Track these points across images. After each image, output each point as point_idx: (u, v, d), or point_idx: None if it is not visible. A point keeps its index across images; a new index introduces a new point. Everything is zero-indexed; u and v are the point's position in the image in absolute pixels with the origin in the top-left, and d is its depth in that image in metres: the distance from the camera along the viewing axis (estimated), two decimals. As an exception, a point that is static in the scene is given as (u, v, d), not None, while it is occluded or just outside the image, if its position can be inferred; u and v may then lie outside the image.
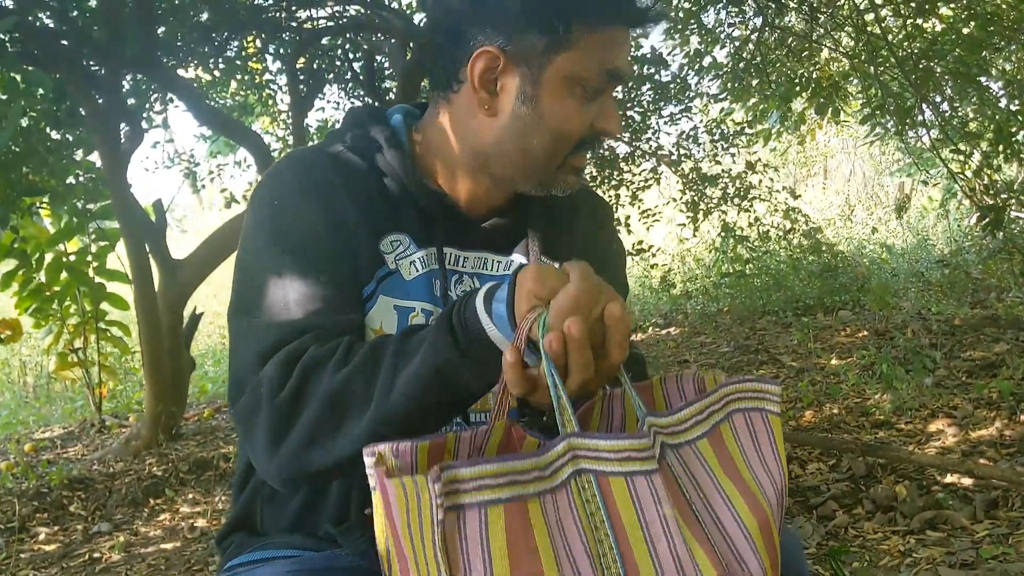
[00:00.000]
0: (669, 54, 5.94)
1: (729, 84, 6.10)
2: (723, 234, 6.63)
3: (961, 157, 4.54)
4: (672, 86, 5.92)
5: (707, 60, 6.01)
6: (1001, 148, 4.39)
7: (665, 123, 6.29)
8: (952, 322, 4.45)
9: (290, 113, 5.49)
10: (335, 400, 0.91)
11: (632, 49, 1.06)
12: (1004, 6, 4.01)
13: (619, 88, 1.06)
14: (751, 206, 6.42)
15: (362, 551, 1.11)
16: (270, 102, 6.17)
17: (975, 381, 3.60)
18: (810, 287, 6.04)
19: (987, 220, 4.37)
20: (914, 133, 5.71)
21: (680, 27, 5.67)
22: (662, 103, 6.07)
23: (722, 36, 5.92)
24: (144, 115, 5.09)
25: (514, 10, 1.00)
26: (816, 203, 11.75)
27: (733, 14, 5.57)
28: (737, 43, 5.84)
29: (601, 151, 6.07)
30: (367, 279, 1.07)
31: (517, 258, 1.16)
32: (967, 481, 2.66)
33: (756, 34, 5.47)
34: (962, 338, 4.29)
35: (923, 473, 2.77)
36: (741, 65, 5.65)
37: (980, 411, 3.29)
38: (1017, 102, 4.40)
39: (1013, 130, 4.09)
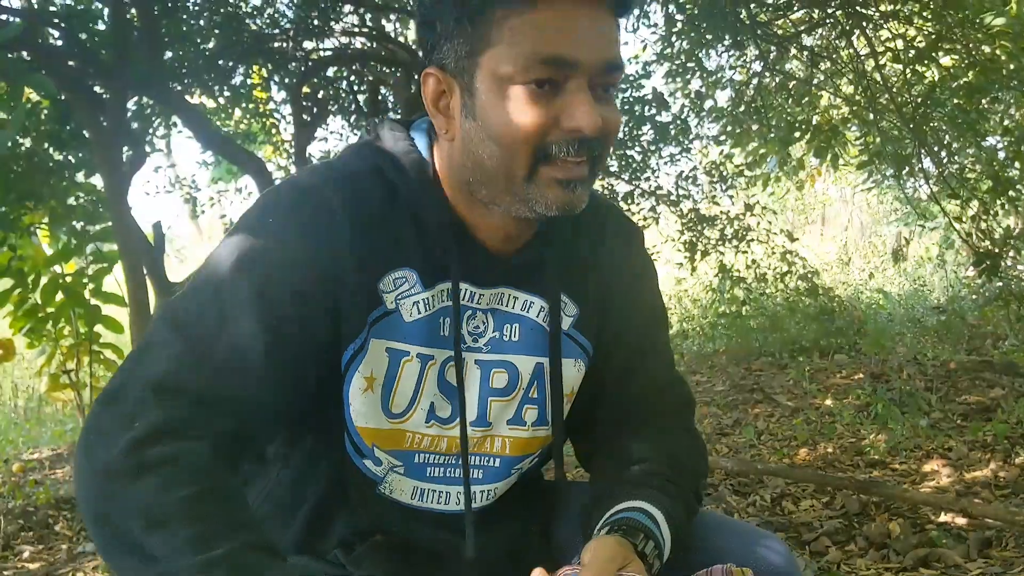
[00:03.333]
0: (670, 96, 6.01)
1: (729, 127, 6.17)
2: (720, 275, 6.65)
3: (959, 204, 4.57)
4: (672, 127, 5.99)
5: (708, 103, 6.09)
6: (999, 195, 4.43)
7: (665, 163, 6.35)
8: (948, 366, 4.44)
9: (293, 142, 5.53)
10: (154, 521, 0.81)
11: (610, 34, 0.93)
12: (1003, 56, 4.06)
13: (608, 80, 0.92)
14: (748, 248, 6.44)
15: None
16: (273, 131, 6.22)
17: (970, 424, 3.59)
18: (806, 330, 6.03)
19: (984, 266, 4.40)
20: (912, 181, 5.76)
21: (681, 69, 5.75)
22: (662, 144, 6.12)
23: (723, 79, 6.00)
24: (148, 138, 5.13)
25: (433, 17, 0.94)
26: (814, 249, 11.80)
27: (734, 57, 5.64)
28: (738, 87, 5.92)
29: (601, 189, 6.13)
30: (354, 331, 0.98)
31: (536, 301, 1.08)
32: (961, 520, 2.64)
33: (757, 78, 5.53)
34: (957, 382, 4.28)
35: (917, 512, 2.74)
36: (741, 108, 5.72)
37: (975, 453, 3.28)
38: (1012, 150, 4.45)
39: (1011, 174, 4.13)
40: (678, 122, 6.01)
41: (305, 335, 0.95)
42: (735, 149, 6.77)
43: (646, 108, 5.67)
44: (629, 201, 6.41)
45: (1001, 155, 4.71)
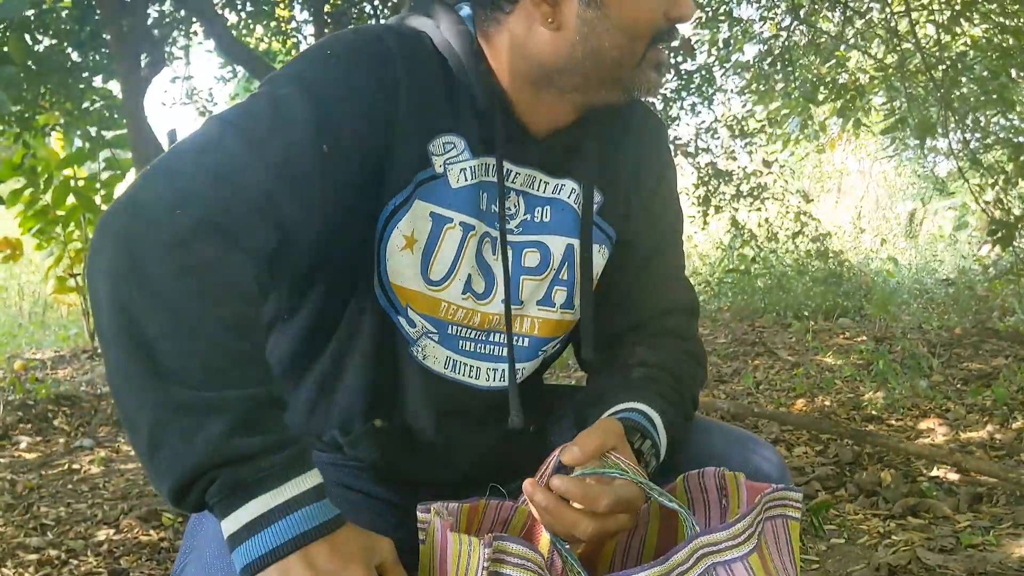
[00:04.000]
0: (697, 43, 5.92)
1: (754, 83, 6.09)
2: (731, 231, 6.61)
3: (980, 173, 4.52)
4: (697, 76, 5.91)
5: (735, 56, 6.00)
6: (1019, 166, 4.37)
7: (686, 114, 6.27)
8: (953, 333, 4.44)
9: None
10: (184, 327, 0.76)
11: None
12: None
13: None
14: (763, 205, 6.40)
15: (371, 463, 1.09)
16: (294, 51, 6.15)
17: (970, 388, 3.60)
18: (813, 292, 6.02)
19: (998, 236, 4.36)
20: (932, 155, 5.71)
21: (711, 17, 5.65)
22: (685, 93, 6.05)
23: (752, 32, 5.91)
24: (167, 46, 5.08)
25: None
26: (827, 217, 11.74)
27: (765, 8, 5.54)
28: (767, 40, 5.82)
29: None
30: (399, 184, 0.98)
31: (568, 184, 1.09)
32: (953, 476, 2.65)
33: (786, 32, 5.44)
34: (961, 350, 4.28)
35: (910, 464, 2.75)
36: (767, 63, 5.63)
37: (972, 415, 3.28)
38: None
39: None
40: (703, 72, 5.92)
41: (357, 162, 0.94)
42: (758, 106, 6.70)
43: (672, 55, 5.58)
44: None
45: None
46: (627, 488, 0.88)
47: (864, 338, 4.75)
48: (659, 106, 6.02)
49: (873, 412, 3.37)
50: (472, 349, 1.08)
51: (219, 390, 0.75)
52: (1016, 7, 3.99)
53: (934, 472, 2.68)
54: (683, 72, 5.77)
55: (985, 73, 4.26)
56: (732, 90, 6.33)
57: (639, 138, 1.16)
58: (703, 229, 6.91)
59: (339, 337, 1.07)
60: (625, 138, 1.14)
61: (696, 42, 5.88)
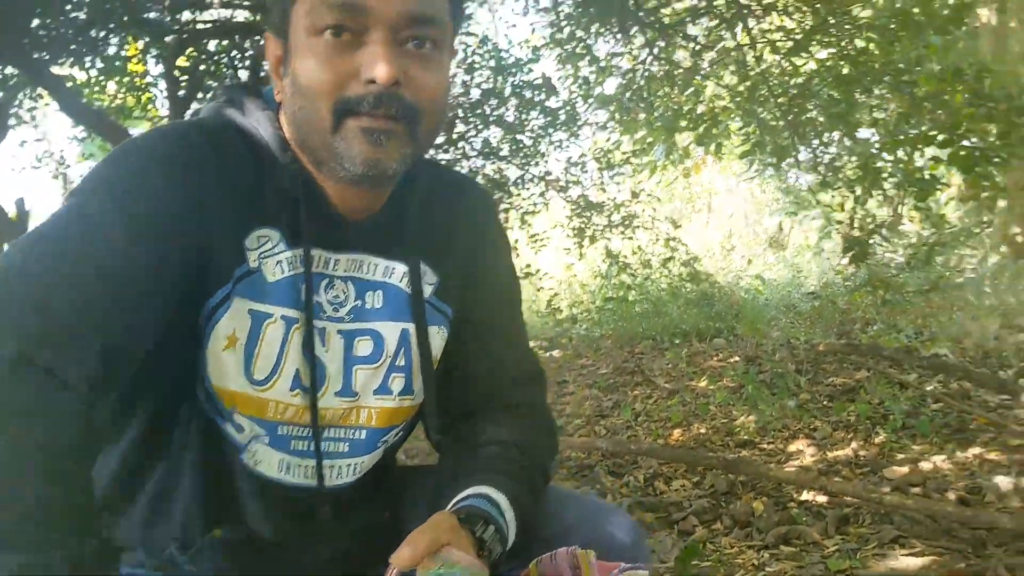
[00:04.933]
0: (559, 81, 6.04)
1: (617, 114, 6.25)
2: (607, 260, 6.74)
3: (832, 193, 4.75)
4: (562, 112, 6.01)
5: (597, 90, 6.14)
6: (867, 184, 4.61)
7: (554, 149, 6.37)
8: (817, 349, 4.62)
9: (170, 118, 5.32)
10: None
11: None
12: (875, 50, 4.22)
13: (416, 33, 0.92)
14: (634, 234, 6.55)
15: None
16: (150, 106, 5.96)
17: (835, 404, 3.74)
18: (687, 314, 6.18)
19: (853, 252, 4.58)
20: (791, 172, 5.96)
21: (570, 55, 5.78)
22: (551, 129, 6.14)
23: (612, 67, 6.06)
24: (12, 110, 4.85)
25: None
26: (699, 237, 12.10)
27: (621, 44, 5.70)
28: (626, 74, 5.98)
29: (492, 174, 6.13)
30: (218, 283, 0.94)
31: (399, 267, 1.07)
32: (822, 498, 2.74)
33: (643, 66, 5.60)
34: (826, 365, 4.45)
35: (781, 490, 2.84)
36: (628, 95, 5.79)
37: (838, 432, 3.41)
38: (883, 142, 4.64)
39: (878, 166, 4.30)
40: (567, 108, 6.03)
41: (174, 267, 0.90)
42: (624, 136, 6.86)
43: (535, 93, 5.67)
44: (519, 186, 6.42)
45: (875, 148, 4.91)
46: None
47: (737, 358, 4.90)
48: (528, 143, 6.11)
49: (746, 437, 3.46)
50: (306, 448, 1.05)
51: (37, 553, 0.71)
52: (853, 33, 4.22)
53: (804, 496, 2.77)
54: (547, 109, 5.86)
55: (828, 96, 4.49)
56: (597, 124, 6.46)
57: (468, 215, 1.16)
58: (580, 260, 7.01)
59: (170, 449, 1.02)
60: (453, 216, 1.14)
61: (558, 79, 6.00)
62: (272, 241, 0.97)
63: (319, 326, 1.01)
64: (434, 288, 1.10)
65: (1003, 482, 2.77)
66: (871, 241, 4.82)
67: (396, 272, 1.07)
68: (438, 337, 1.11)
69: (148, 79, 5.68)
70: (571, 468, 3.25)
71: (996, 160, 3.97)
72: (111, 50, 4.89)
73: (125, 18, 4.22)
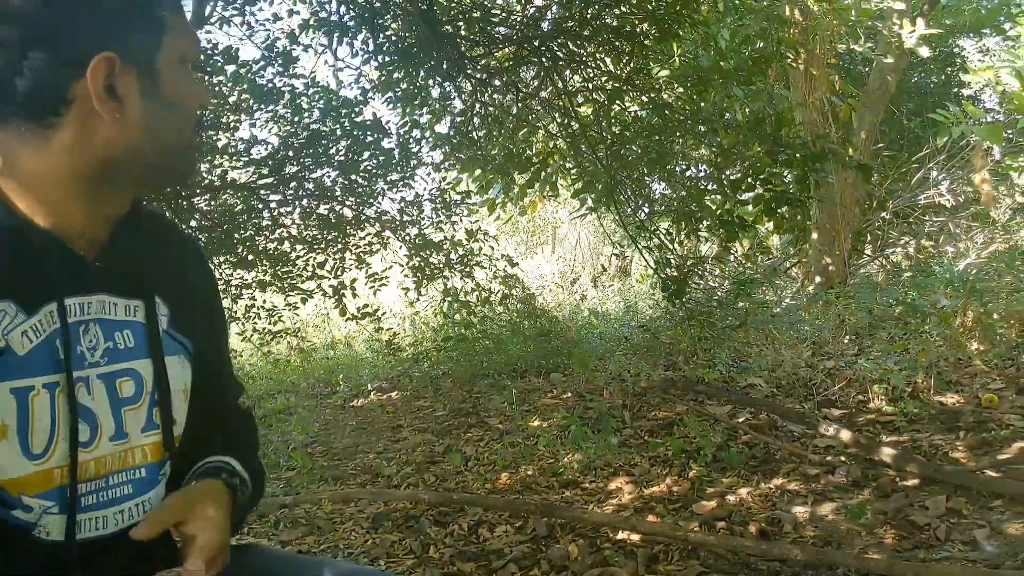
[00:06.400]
0: (390, 123, 6.06)
1: (450, 156, 6.32)
2: (447, 298, 6.77)
3: (648, 234, 4.96)
4: (395, 153, 6.03)
5: (428, 132, 6.20)
6: (684, 225, 4.85)
7: (389, 189, 6.36)
8: (640, 384, 4.79)
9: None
10: None
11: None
12: (681, 102, 4.45)
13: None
14: (471, 272, 6.62)
15: None
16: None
17: (654, 440, 3.89)
18: (526, 350, 6.28)
19: (671, 290, 4.79)
20: (618, 209, 6.18)
21: (400, 98, 5.82)
22: (385, 170, 6.14)
23: (442, 109, 6.14)
24: None
25: (115, 10, 0.98)
26: (543, 269, 12.35)
27: (451, 88, 5.78)
28: (456, 117, 6.07)
29: (326, 214, 6.08)
30: None
31: (140, 304, 1.09)
32: (635, 537, 2.84)
33: (471, 110, 5.70)
34: (650, 399, 4.63)
35: (598, 531, 2.93)
36: (460, 139, 5.87)
37: (655, 468, 3.55)
38: (693, 188, 4.89)
39: (690, 209, 4.54)
40: (400, 148, 6.05)
41: None
42: (462, 175, 6.94)
43: (367, 134, 5.66)
44: (355, 226, 6.38)
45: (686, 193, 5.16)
46: (207, 534, 1.03)
47: (569, 395, 5.02)
48: (362, 182, 6.09)
49: (570, 477, 3.55)
50: (94, 501, 1.03)
51: None
52: (659, 87, 4.44)
53: (620, 535, 2.87)
54: (381, 150, 5.86)
55: (641, 142, 4.70)
56: (432, 164, 6.52)
57: (186, 250, 1.23)
58: (419, 298, 7.02)
59: None
60: (176, 251, 1.20)
61: (390, 121, 6.02)
62: (8, 314, 0.94)
63: (82, 375, 1.00)
64: (168, 319, 1.13)
65: (799, 512, 2.95)
66: (693, 276, 5.05)
67: (139, 310, 1.09)
68: (180, 366, 1.14)
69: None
70: (396, 520, 3.24)
71: (797, 203, 4.26)
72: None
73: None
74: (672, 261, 4.84)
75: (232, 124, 5.37)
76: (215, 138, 5.30)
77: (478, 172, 6.84)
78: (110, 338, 1.04)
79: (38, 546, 0.99)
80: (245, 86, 5.13)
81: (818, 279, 7.50)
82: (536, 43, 4.39)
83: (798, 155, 4.15)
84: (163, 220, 1.26)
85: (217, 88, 5.23)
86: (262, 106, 5.31)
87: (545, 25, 4.45)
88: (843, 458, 3.44)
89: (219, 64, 4.85)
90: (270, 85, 5.21)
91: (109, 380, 1.04)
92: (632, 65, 4.04)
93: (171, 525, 1.03)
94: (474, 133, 5.74)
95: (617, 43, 4.02)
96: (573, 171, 6.64)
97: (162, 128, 1.02)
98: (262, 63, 5.12)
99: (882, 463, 3.32)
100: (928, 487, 3.07)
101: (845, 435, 3.54)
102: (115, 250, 1.06)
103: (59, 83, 0.95)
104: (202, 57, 4.62)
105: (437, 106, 6.10)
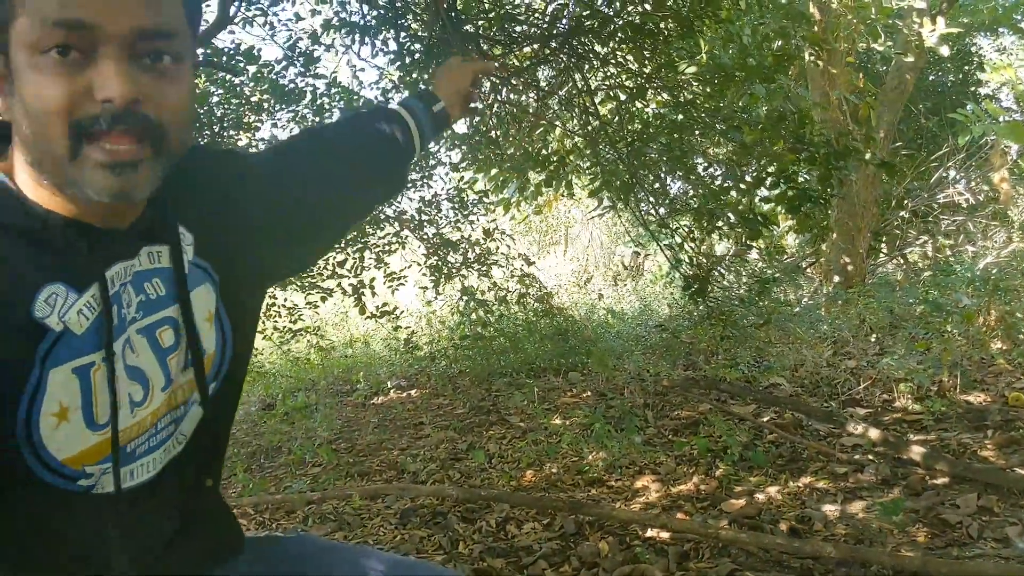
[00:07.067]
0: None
1: (468, 155, 6.33)
2: (464, 298, 6.79)
3: (669, 232, 4.95)
4: (414, 153, 6.04)
5: (447, 131, 6.21)
6: (705, 223, 4.83)
7: (407, 189, 6.38)
8: (662, 383, 4.79)
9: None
10: None
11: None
12: (702, 99, 4.44)
13: (152, 47, 0.86)
14: (489, 271, 6.63)
15: None
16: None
17: (679, 439, 3.88)
18: (543, 349, 6.29)
19: (693, 289, 4.78)
20: (635, 208, 6.17)
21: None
22: (404, 169, 6.16)
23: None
24: None
25: None
26: (557, 269, 12.35)
27: (470, 88, 5.78)
28: (476, 116, 6.08)
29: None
30: (20, 378, 0.88)
31: (163, 249, 1.03)
32: (664, 535, 2.84)
33: (489, 109, 5.70)
34: (672, 398, 4.62)
35: (626, 528, 2.93)
36: (478, 138, 5.88)
37: (681, 467, 3.54)
38: (717, 185, 4.87)
39: (717, 205, 4.52)
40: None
41: None
42: (479, 175, 6.95)
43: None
44: (374, 226, 6.40)
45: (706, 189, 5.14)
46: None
47: (589, 394, 5.02)
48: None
49: (595, 475, 3.55)
50: (145, 449, 1.04)
51: None
52: (682, 84, 4.43)
53: (649, 533, 2.87)
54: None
55: (663, 140, 4.69)
56: (450, 163, 6.53)
57: (216, 167, 1.16)
58: (437, 298, 7.04)
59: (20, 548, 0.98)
60: (202, 178, 1.12)
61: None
62: (61, 296, 0.91)
63: (124, 337, 0.99)
64: (193, 248, 1.08)
65: (830, 510, 2.95)
66: (713, 274, 5.04)
67: (162, 255, 1.04)
68: (204, 294, 1.09)
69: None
70: (424, 516, 3.25)
71: (820, 201, 4.24)
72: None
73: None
74: (693, 259, 4.82)
75: (253, 124, 5.38)
76: (236, 138, 5.32)
77: (494, 171, 6.85)
78: (140, 291, 1.01)
79: (93, 500, 1.00)
80: (267, 86, 5.15)
81: (836, 278, 7.48)
82: (557, 42, 4.39)
83: (821, 152, 4.13)
84: (198, 150, 1.13)
85: (239, 88, 5.26)
86: (283, 106, 5.33)
87: (564, 23, 4.45)
88: (871, 457, 3.43)
89: (241, 64, 4.87)
90: (292, 85, 5.23)
91: (149, 333, 1.02)
92: (655, 62, 4.03)
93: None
94: (493, 132, 5.74)
95: (639, 41, 4.01)
96: (590, 169, 6.65)
97: (21, 131, 0.88)
98: (284, 63, 5.13)
99: (911, 462, 3.32)
100: (958, 485, 3.06)
101: (873, 433, 3.53)
102: (150, 207, 1.01)
103: None
104: (224, 57, 4.64)
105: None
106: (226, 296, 1.13)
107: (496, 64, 1.34)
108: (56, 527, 0.99)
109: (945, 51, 6.84)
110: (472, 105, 1.56)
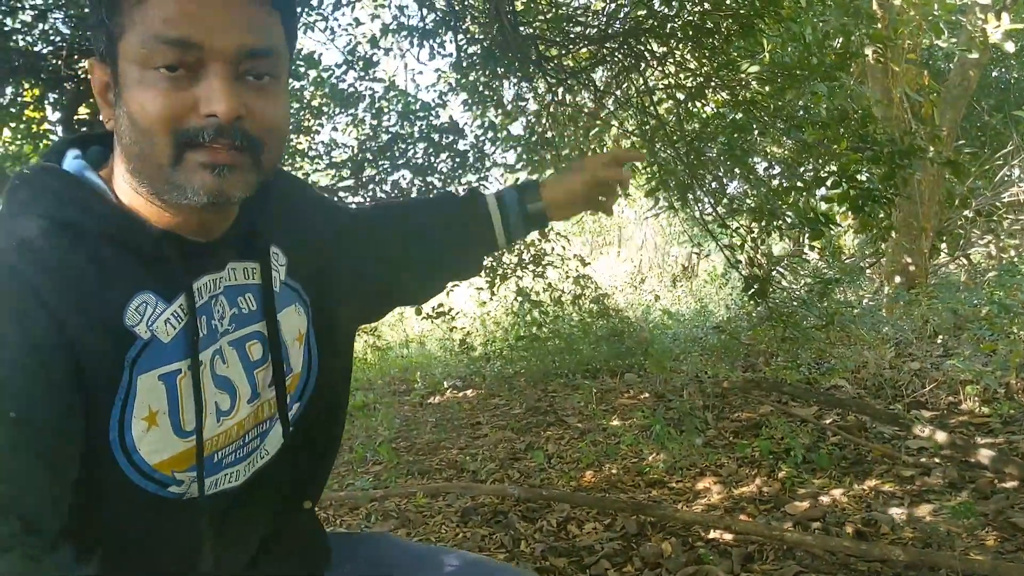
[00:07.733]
0: (466, 125, 6.12)
1: (524, 156, 6.35)
2: (519, 298, 6.81)
3: (729, 232, 4.91)
4: (470, 155, 6.08)
5: (503, 132, 6.24)
6: (765, 224, 4.78)
7: (464, 190, 6.42)
8: (722, 384, 4.75)
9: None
10: None
11: (248, 19, 0.91)
12: (763, 99, 4.40)
13: (253, 66, 0.91)
14: (544, 272, 6.64)
15: None
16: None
17: (740, 441, 3.85)
18: (599, 350, 6.28)
19: (753, 290, 4.74)
20: (692, 208, 6.14)
21: (477, 99, 5.87)
22: (460, 172, 6.20)
23: (517, 110, 6.17)
24: None
25: (88, 7, 0.91)
26: (610, 270, 12.31)
27: (526, 89, 5.81)
28: (530, 117, 6.10)
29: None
30: (111, 384, 0.91)
31: (256, 265, 1.08)
32: (728, 536, 2.82)
33: (546, 110, 5.72)
34: (732, 400, 4.58)
35: (689, 530, 2.91)
36: (534, 138, 5.90)
37: (743, 469, 3.52)
38: (779, 186, 4.83)
39: (777, 204, 4.48)
40: (475, 150, 6.10)
41: (58, 405, 0.86)
42: (534, 176, 6.98)
43: (443, 136, 5.73)
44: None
45: (768, 188, 5.10)
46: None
47: (647, 395, 5.00)
48: (438, 184, 6.15)
49: (655, 476, 3.54)
50: (232, 459, 1.07)
51: None
52: (743, 84, 4.39)
53: (712, 535, 2.85)
54: (456, 151, 5.92)
55: (723, 140, 4.66)
56: (505, 164, 6.55)
57: (303, 199, 1.21)
58: (492, 299, 7.07)
59: (113, 553, 1.01)
60: (291, 203, 1.17)
61: (465, 123, 6.08)
62: (151, 305, 0.95)
63: (216, 347, 1.02)
64: (285, 269, 1.12)
65: (896, 514, 2.90)
66: (772, 275, 4.99)
67: (256, 272, 1.08)
68: (295, 315, 1.14)
69: (47, 126, 5.54)
70: (485, 514, 3.27)
71: (883, 201, 4.17)
72: (6, 98, 4.77)
73: (17, 63, 4.12)
74: (752, 260, 4.78)
75: (313, 128, 5.47)
76: (296, 142, 5.42)
77: (549, 172, 6.87)
78: (234, 304, 1.05)
79: (183, 507, 1.03)
80: (327, 90, 5.24)
81: (898, 279, 7.35)
82: (615, 42, 4.39)
83: (885, 151, 4.07)
84: (283, 174, 1.21)
85: (299, 92, 5.34)
86: (342, 110, 5.41)
87: (619, 24, 4.45)
88: (937, 460, 3.37)
89: (302, 69, 4.96)
90: (351, 89, 5.30)
91: (239, 345, 1.06)
92: (715, 62, 4.01)
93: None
94: (548, 133, 5.76)
95: (699, 40, 3.99)
96: (646, 169, 6.62)
97: (125, 140, 0.92)
98: (343, 67, 5.21)
99: (979, 465, 3.25)
100: (1030, 490, 2.99)
101: (940, 436, 3.47)
102: (239, 223, 1.05)
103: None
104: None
105: (511, 107, 6.14)
106: (316, 321, 1.17)
107: (642, 152, 1.31)
108: (147, 532, 1.02)
109: (1010, 47, 6.69)
110: (601, 201, 1.45)
